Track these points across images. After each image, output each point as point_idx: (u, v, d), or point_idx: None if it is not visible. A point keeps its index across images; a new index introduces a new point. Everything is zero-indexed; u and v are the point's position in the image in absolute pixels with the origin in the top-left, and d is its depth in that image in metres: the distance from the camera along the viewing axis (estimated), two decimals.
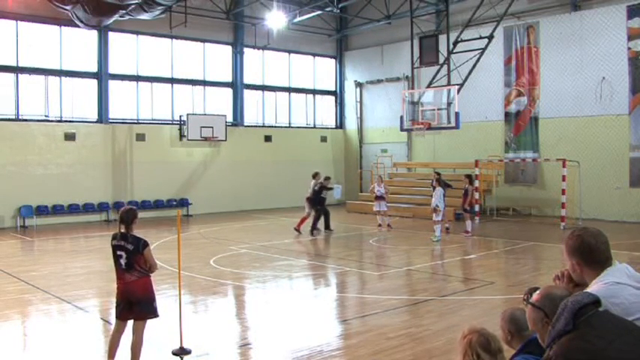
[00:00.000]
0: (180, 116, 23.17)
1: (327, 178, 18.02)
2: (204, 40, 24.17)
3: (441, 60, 19.60)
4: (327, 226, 17.77)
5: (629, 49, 18.71)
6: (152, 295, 6.17)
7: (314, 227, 17.48)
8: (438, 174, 17.12)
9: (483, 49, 18.84)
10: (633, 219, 18.54)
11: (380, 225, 18.55)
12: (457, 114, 18.22)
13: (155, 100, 23.16)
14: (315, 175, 17.81)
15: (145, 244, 6.10)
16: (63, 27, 20.55)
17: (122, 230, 6.18)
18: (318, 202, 17.74)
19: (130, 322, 6.20)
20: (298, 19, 24.07)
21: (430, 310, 8.66)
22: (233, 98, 25.17)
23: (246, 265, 12.59)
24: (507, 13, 19.31)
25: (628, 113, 18.85)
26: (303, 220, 17.50)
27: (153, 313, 6.16)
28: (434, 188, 16.33)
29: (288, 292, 10.56)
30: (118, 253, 6.18)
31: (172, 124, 23.24)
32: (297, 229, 17.35)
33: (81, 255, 14.36)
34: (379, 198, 18.26)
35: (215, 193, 23.81)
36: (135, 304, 6.09)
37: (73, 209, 20.70)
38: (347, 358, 6.55)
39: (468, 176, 16.98)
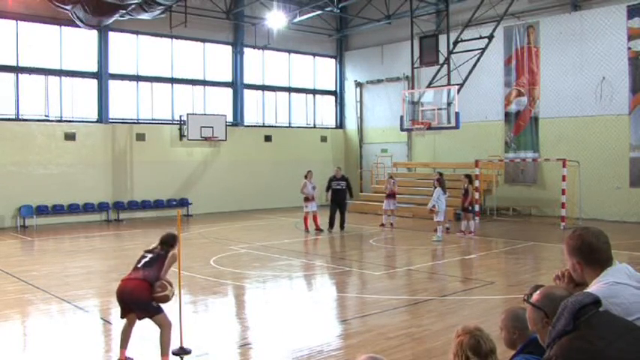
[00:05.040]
0: (180, 116, 23.18)
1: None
2: (204, 40, 24.17)
3: (441, 60, 19.59)
4: (332, 226, 17.73)
5: (629, 49, 18.70)
6: (145, 297, 6.10)
7: (332, 225, 17.67)
8: (440, 174, 17.13)
9: (483, 49, 18.84)
10: (633, 219, 18.54)
11: (383, 224, 18.58)
12: (457, 114, 18.21)
13: (155, 100, 23.16)
14: (307, 174, 17.76)
15: (174, 254, 6.35)
16: (63, 27, 20.55)
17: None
18: (332, 198, 17.80)
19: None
20: (298, 19, 24.07)
21: (430, 310, 8.66)
22: (233, 98, 25.17)
23: (246, 265, 12.59)
24: (507, 13, 19.31)
25: (628, 113, 18.85)
26: (314, 219, 17.55)
27: (150, 311, 6.13)
28: (435, 188, 16.33)
29: (288, 292, 10.55)
30: (144, 254, 6.35)
31: (172, 124, 23.25)
32: (317, 229, 17.51)
33: (81, 255, 14.36)
34: (389, 196, 18.34)
35: (215, 193, 23.81)
36: (133, 305, 6.16)
37: (73, 209, 20.69)
38: (347, 358, 6.55)
39: (468, 176, 16.98)
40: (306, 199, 17.40)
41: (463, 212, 16.75)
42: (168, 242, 6.38)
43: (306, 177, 17.64)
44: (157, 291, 6.10)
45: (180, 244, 6.76)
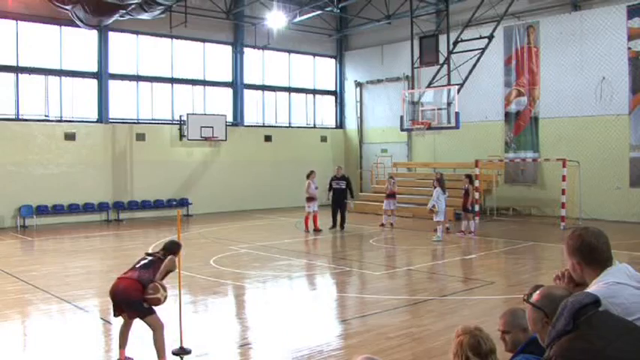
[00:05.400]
0: (180, 116, 23.17)
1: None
2: (204, 40, 24.17)
3: (441, 60, 19.59)
4: (335, 224, 17.98)
5: (629, 49, 18.70)
6: (136, 297, 6.12)
7: (335, 223, 17.87)
8: (440, 174, 17.16)
9: (483, 49, 18.83)
10: (633, 219, 18.53)
11: (383, 224, 18.59)
12: (457, 114, 18.21)
13: (155, 100, 23.15)
14: (310, 174, 17.78)
15: (172, 258, 6.35)
16: (63, 27, 20.54)
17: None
18: (332, 198, 18.04)
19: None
20: (298, 19, 24.06)
21: (430, 310, 8.66)
22: (233, 98, 25.17)
23: (246, 265, 12.59)
24: (507, 13, 19.30)
25: (628, 113, 18.85)
26: (314, 219, 17.57)
27: (141, 311, 6.14)
28: (434, 188, 16.35)
29: (288, 292, 10.56)
30: (145, 256, 6.40)
31: (172, 124, 23.24)
32: (316, 229, 17.50)
33: (81, 255, 14.36)
34: (390, 196, 18.39)
35: (215, 193, 23.81)
36: (123, 304, 6.19)
37: (73, 209, 20.69)
38: (347, 358, 6.55)
39: (468, 176, 16.99)
40: (309, 199, 17.43)
41: (464, 212, 16.76)
42: (170, 248, 6.45)
43: (308, 177, 17.66)
44: (149, 293, 6.09)
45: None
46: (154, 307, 6.17)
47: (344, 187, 18.03)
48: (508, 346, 3.27)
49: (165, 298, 6.21)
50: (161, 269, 6.23)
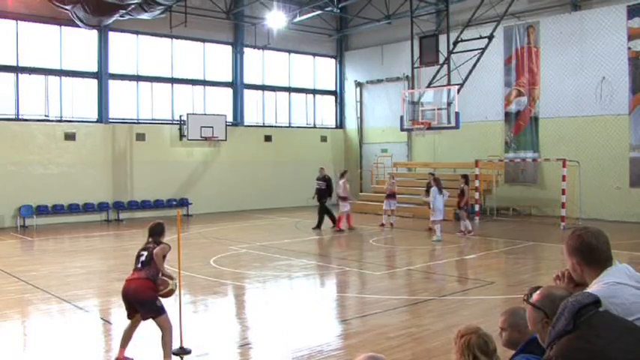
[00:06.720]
0: (180, 116, 23.17)
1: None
2: (204, 40, 24.17)
3: (441, 60, 19.59)
4: (332, 222, 18.25)
5: (629, 49, 18.70)
6: (149, 296, 6.18)
7: (332, 221, 18.18)
8: (433, 174, 17.27)
9: (483, 49, 18.83)
10: (633, 219, 18.53)
11: (383, 224, 18.61)
12: (457, 114, 18.22)
13: (155, 100, 23.16)
14: (344, 174, 18.22)
15: (161, 246, 6.34)
16: (63, 27, 20.54)
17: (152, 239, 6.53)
18: (317, 199, 18.51)
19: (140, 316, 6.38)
20: (298, 19, 24.06)
21: (430, 310, 8.66)
22: (233, 98, 25.17)
23: (246, 265, 12.59)
24: (507, 13, 19.31)
25: (628, 113, 18.85)
26: (340, 219, 17.86)
27: (153, 311, 6.19)
28: (430, 187, 16.39)
29: (288, 292, 10.56)
30: (141, 253, 6.40)
31: (172, 124, 23.25)
32: (338, 228, 17.73)
33: (81, 255, 14.36)
34: (390, 196, 18.45)
35: (215, 193, 23.80)
36: (136, 305, 6.22)
37: (73, 209, 20.69)
38: (347, 358, 6.55)
39: (464, 176, 17.02)
40: (344, 199, 17.76)
41: (459, 212, 16.83)
42: (157, 232, 6.48)
43: (343, 176, 18.08)
44: (160, 290, 6.26)
45: (179, 243, 6.78)
46: (165, 308, 6.26)
47: (324, 187, 18.42)
48: (503, 341, 3.29)
49: (176, 285, 6.42)
50: (156, 262, 6.25)
